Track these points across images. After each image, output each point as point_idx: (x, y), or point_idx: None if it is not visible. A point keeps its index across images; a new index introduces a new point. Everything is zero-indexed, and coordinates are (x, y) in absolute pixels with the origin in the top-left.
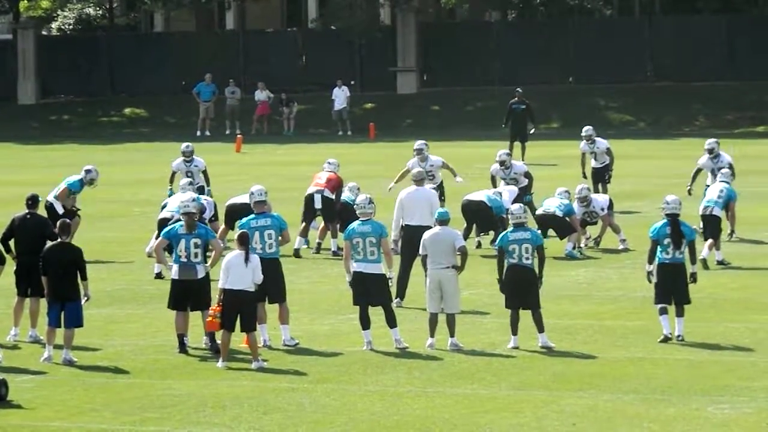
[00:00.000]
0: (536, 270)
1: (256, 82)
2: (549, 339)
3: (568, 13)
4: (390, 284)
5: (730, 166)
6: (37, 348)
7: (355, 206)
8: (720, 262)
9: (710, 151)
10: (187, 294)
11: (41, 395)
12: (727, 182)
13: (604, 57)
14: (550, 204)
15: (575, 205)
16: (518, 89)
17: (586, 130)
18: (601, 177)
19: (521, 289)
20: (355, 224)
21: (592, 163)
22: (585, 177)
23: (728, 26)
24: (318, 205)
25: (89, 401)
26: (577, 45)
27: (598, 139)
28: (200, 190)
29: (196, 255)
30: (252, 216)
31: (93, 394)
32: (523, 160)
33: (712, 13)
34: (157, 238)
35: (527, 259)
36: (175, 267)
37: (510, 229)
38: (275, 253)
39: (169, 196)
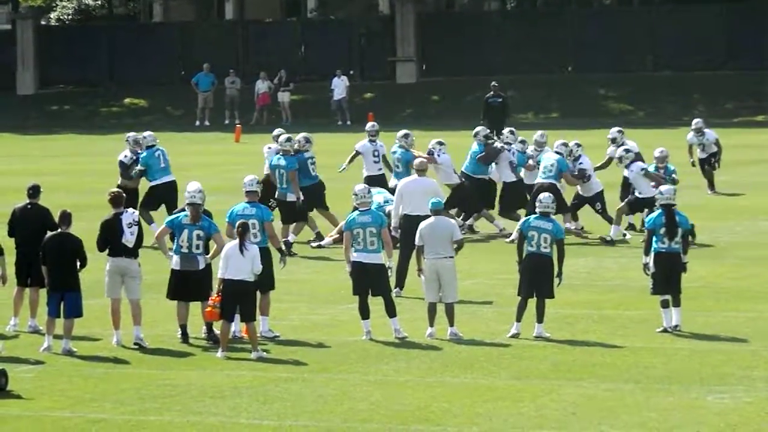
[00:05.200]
0: (554, 260)
1: (256, 72)
2: (545, 330)
3: (567, 3)
4: (389, 274)
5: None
6: (36, 338)
7: (353, 196)
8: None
9: (613, 140)
10: (187, 285)
11: (41, 385)
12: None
13: (604, 46)
14: (548, 167)
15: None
16: (494, 83)
17: (696, 122)
18: (708, 162)
19: (537, 276)
20: (354, 214)
21: (699, 154)
22: (693, 166)
23: (728, 15)
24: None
25: (89, 391)
26: (576, 34)
27: (707, 130)
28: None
29: (197, 246)
30: (242, 204)
31: (93, 384)
32: None
33: (711, 3)
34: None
35: (545, 248)
36: (176, 257)
37: (535, 215)
38: (261, 242)
39: (340, 171)
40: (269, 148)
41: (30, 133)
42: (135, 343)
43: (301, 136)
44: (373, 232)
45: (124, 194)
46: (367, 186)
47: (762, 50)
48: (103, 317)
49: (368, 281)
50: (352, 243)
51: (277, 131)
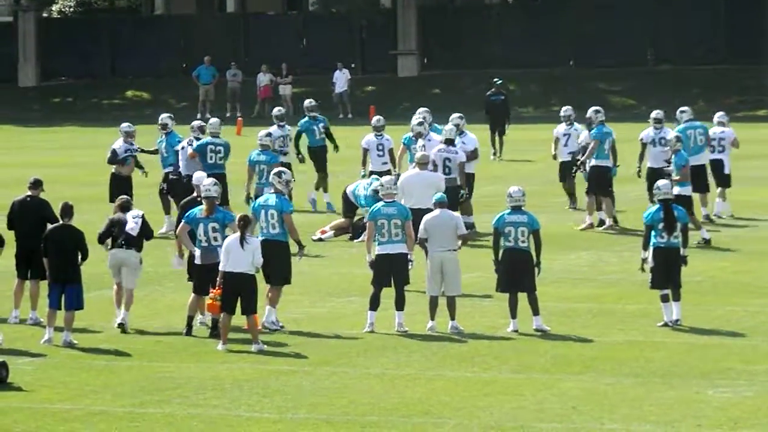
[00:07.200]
0: (533, 253)
1: (257, 65)
2: (544, 322)
3: None
4: (410, 267)
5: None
6: (37, 330)
7: (379, 187)
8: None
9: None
10: (211, 277)
11: (41, 377)
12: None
13: (605, 40)
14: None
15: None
16: (495, 80)
17: (565, 110)
18: (573, 163)
19: (517, 271)
20: (379, 205)
21: (562, 150)
22: (555, 159)
23: (729, 9)
24: None
25: (89, 383)
26: (577, 28)
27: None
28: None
29: (215, 239)
30: (264, 195)
31: (93, 376)
32: (501, 154)
33: None
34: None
35: (523, 242)
36: (198, 252)
37: (507, 210)
38: (278, 234)
39: (362, 177)
40: (182, 148)
41: (31, 126)
42: (119, 324)
43: (213, 121)
44: (398, 224)
45: (131, 201)
46: (393, 178)
47: (763, 44)
48: (104, 309)
49: (390, 272)
50: (375, 235)
51: (196, 122)
